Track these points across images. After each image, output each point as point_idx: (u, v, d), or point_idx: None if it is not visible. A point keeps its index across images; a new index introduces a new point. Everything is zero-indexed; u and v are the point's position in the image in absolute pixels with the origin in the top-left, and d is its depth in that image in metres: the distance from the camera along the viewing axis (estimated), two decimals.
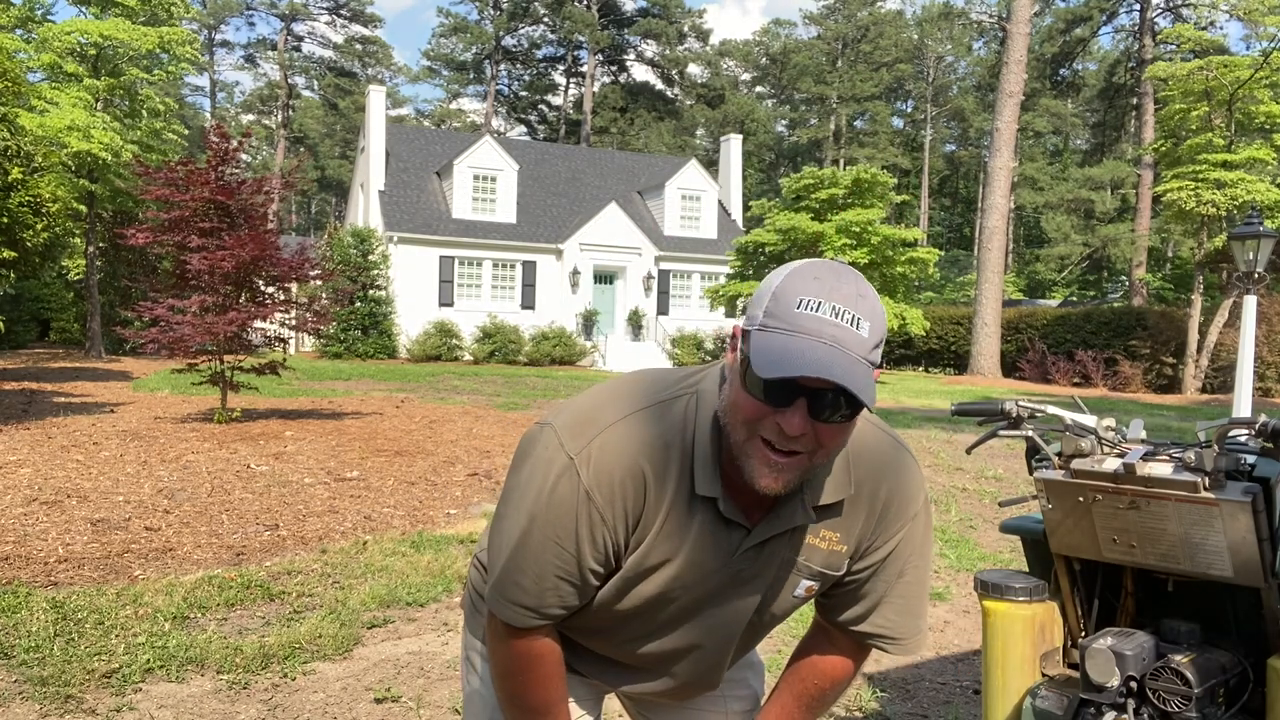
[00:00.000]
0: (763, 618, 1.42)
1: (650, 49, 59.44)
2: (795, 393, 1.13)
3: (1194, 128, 23.78)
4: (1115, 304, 34.05)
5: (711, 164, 44.54)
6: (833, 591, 1.43)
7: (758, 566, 1.34)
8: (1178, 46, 32.52)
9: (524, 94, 62.05)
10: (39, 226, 15.03)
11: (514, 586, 1.28)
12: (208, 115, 58.84)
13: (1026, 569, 2.32)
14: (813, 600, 1.45)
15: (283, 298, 11.46)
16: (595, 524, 1.23)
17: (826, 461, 1.23)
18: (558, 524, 1.23)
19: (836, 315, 1.12)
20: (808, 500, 1.30)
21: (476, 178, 28.86)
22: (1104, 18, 45.87)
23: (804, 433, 1.14)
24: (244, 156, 11.82)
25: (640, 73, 61.18)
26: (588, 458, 1.22)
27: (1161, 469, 1.90)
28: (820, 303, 1.12)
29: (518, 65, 60.48)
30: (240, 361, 11.23)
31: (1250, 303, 9.75)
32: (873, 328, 1.14)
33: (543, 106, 62.38)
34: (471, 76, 60.10)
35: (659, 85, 60.90)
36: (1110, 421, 2.11)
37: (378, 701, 3.35)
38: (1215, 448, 1.87)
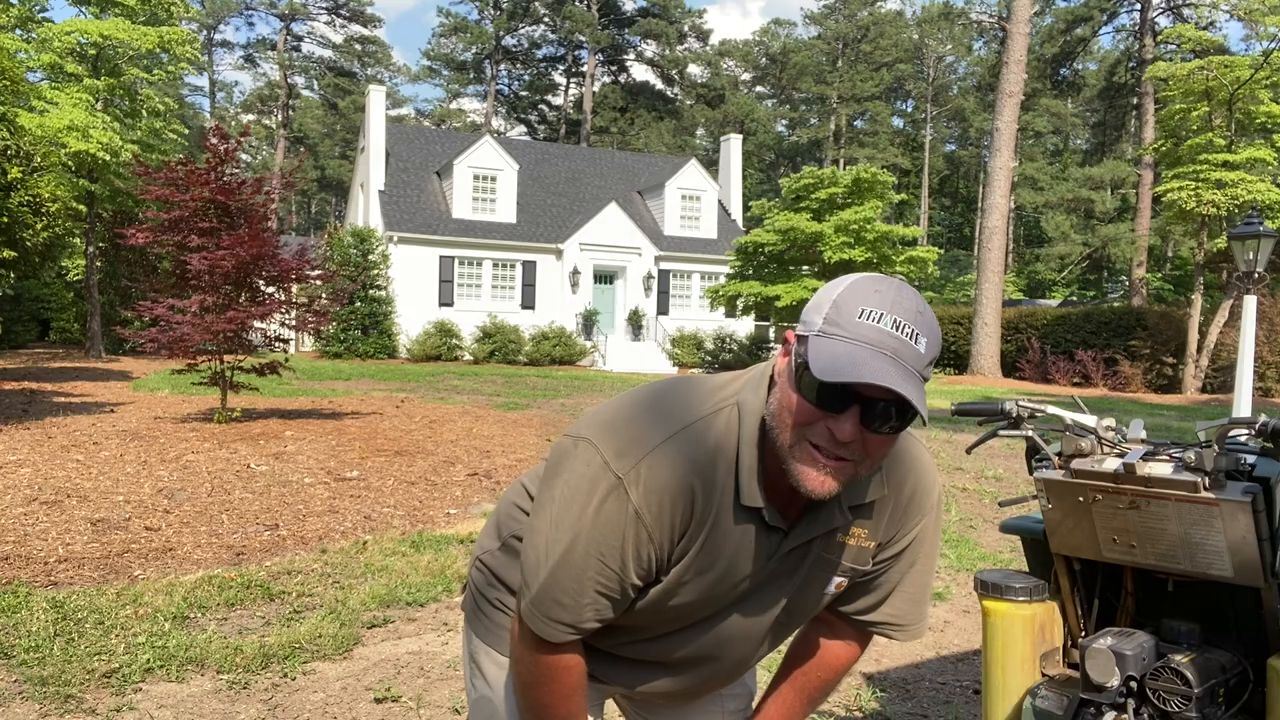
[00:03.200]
0: (793, 617, 1.43)
1: (650, 49, 59.45)
2: (850, 400, 1.14)
3: (1194, 128, 23.77)
4: (1115, 304, 34.05)
5: (711, 164, 44.54)
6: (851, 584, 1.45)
7: (792, 566, 1.35)
8: (1178, 46, 32.51)
9: (524, 94, 62.05)
10: (39, 226, 15.05)
11: (552, 603, 1.27)
12: (208, 115, 58.85)
13: (1026, 569, 2.32)
14: None
15: (283, 298, 11.46)
16: (642, 542, 1.23)
17: (871, 471, 1.25)
18: (603, 542, 1.23)
19: (897, 328, 1.14)
20: (844, 501, 1.31)
21: (476, 177, 28.86)
22: (1104, 18, 45.84)
23: (854, 440, 1.16)
24: (243, 156, 11.84)
25: (640, 73, 61.25)
26: (637, 477, 1.21)
27: (1161, 469, 1.90)
28: (882, 314, 1.14)
29: (518, 65, 60.49)
30: (240, 361, 11.22)
31: (1250, 303, 9.75)
32: (929, 344, 1.16)
33: (543, 106, 62.38)
34: (471, 76, 60.11)
35: (659, 85, 60.91)
36: (1110, 421, 2.11)
37: (378, 701, 3.35)
38: (1215, 448, 1.87)
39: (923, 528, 1.41)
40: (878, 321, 1.13)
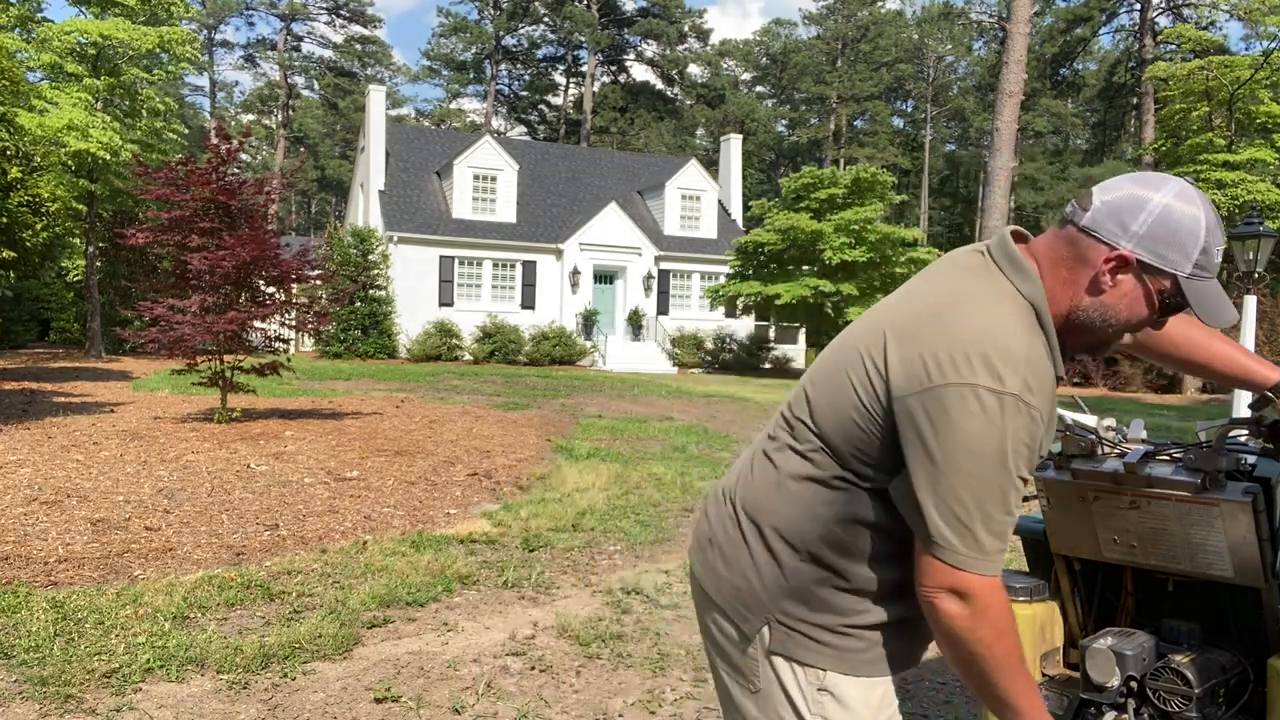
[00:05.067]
0: None
1: (650, 49, 59.43)
2: None
3: (1194, 128, 23.79)
4: None
5: (711, 164, 44.52)
6: None
7: None
8: (1178, 46, 32.50)
9: (524, 94, 62.03)
10: (39, 226, 15.05)
11: (996, 536, 1.32)
12: (208, 115, 58.83)
13: (1026, 569, 2.32)
14: None
15: (283, 298, 11.46)
16: (1037, 444, 1.35)
17: None
18: (1019, 456, 1.31)
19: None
20: None
21: (476, 177, 28.86)
22: (1104, 18, 45.84)
23: None
24: (244, 156, 11.84)
25: (640, 73, 61.22)
26: (1028, 386, 1.32)
27: (1162, 469, 1.90)
28: (1222, 247, 1.37)
29: (518, 65, 60.46)
30: (240, 361, 11.23)
31: (1250, 303, 9.75)
32: None
33: (543, 106, 62.35)
34: (471, 76, 60.09)
35: (659, 85, 60.89)
36: (1110, 421, 2.11)
37: (378, 701, 3.35)
38: (1215, 448, 1.87)
39: None
40: (1220, 253, 1.38)
